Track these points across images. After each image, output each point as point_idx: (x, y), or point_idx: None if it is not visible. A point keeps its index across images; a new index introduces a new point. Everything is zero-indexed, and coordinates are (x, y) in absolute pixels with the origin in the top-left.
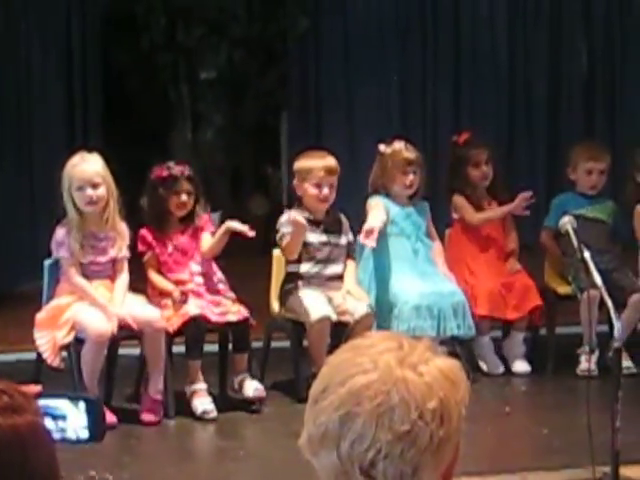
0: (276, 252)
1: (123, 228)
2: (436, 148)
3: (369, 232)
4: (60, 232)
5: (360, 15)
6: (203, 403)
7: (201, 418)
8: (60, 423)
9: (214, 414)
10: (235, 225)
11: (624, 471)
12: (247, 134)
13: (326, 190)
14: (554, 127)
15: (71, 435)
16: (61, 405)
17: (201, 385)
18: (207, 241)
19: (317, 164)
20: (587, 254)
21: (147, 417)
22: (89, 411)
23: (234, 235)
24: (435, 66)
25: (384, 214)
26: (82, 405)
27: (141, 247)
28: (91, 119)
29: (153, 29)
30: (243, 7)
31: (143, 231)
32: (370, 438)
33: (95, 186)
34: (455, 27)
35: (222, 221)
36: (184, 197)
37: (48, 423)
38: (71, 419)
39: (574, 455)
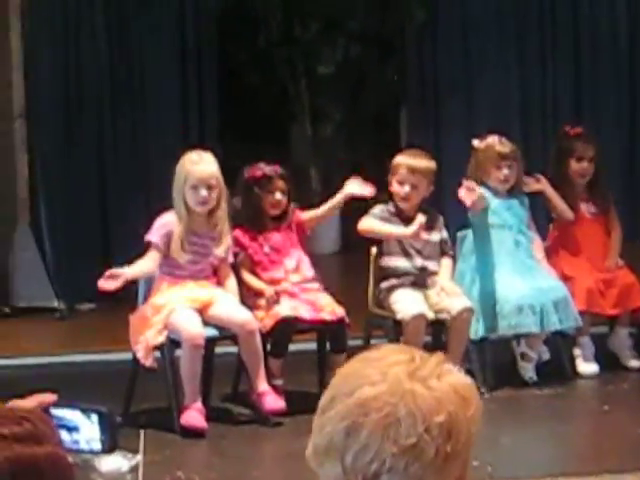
0: (374, 249)
1: (228, 230)
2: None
3: (470, 189)
4: (165, 219)
5: (478, 6)
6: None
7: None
8: (74, 435)
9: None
10: (354, 190)
11: None
12: (367, 128)
13: (407, 188)
14: None
15: (84, 447)
16: (74, 417)
17: (278, 381)
18: (310, 213)
19: (403, 161)
20: None
21: (272, 405)
22: (102, 423)
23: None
24: (553, 55)
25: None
26: (95, 417)
27: (234, 248)
28: (207, 117)
29: (270, 25)
30: (360, 1)
31: (237, 232)
32: (375, 450)
33: (210, 188)
34: (574, 15)
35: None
36: (278, 195)
37: (63, 435)
38: (84, 431)
39: None
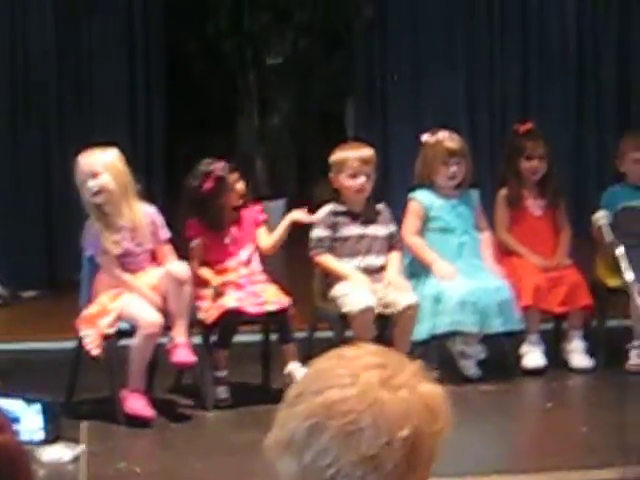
0: None
1: (145, 213)
2: (503, 134)
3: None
4: (90, 229)
5: (427, 2)
6: (220, 392)
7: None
8: (15, 426)
9: (228, 402)
10: (300, 216)
11: None
12: (313, 119)
13: (362, 179)
14: (624, 112)
15: (25, 437)
16: (15, 407)
17: (222, 373)
18: (264, 237)
19: (351, 155)
20: (620, 250)
21: (180, 358)
22: (45, 413)
23: (296, 225)
24: (502, 49)
25: (420, 223)
26: (37, 407)
27: (189, 233)
28: (154, 106)
29: (219, 15)
30: None
31: (193, 221)
32: (333, 455)
33: (95, 175)
34: (522, 13)
35: (288, 208)
36: (240, 186)
37: None
38: (25, 421)
39: (610, 455)
